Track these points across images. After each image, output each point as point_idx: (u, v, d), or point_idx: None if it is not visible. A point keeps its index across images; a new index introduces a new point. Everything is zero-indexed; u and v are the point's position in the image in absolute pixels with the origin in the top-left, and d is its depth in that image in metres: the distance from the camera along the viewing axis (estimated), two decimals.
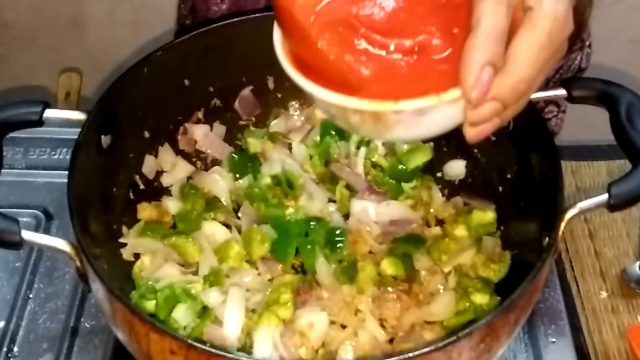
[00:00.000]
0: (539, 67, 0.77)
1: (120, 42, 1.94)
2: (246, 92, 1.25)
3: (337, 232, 1.13)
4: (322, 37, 0.82)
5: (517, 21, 0.78)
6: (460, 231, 1.14)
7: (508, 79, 0.76)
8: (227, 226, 1.16)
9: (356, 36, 0.82)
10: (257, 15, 1.19)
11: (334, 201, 1.20)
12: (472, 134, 0.80)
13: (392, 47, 0.81)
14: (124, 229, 1.13)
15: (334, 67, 0.81)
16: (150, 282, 1.06)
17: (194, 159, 1.24)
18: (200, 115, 1.24)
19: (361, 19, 0.83)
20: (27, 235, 0.94)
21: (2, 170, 1.01)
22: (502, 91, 0.76)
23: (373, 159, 1.23)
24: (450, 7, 0.82)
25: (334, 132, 1.25)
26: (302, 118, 1.28)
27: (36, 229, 1.22)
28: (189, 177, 1.22)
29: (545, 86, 0.97)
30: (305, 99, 1.27)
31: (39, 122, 1.04)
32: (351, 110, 0.81)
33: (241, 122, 1.27)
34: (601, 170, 1.37)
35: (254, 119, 1.27)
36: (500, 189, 1.15)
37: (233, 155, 1.24)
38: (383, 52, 0.81)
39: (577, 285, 1.21)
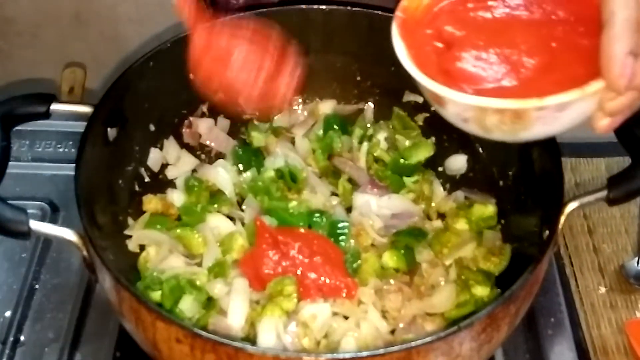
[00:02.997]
0: None
1: (123, 37, 1.93)
2: None
3: (340, 225, 1.14)
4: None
5: None
6: (461, 225, 1.15)
7: None
8: (231, 219, 1.17)
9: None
10: (262, 10, 1.20)
11: (337, 195, 1.21)
12: (605, 125, 0.82)
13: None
14: (130, 220, 1.14)
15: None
16: (155, 273, 1.07)
17: (198, 152, 1.25)
18: (204, 109, 1.25)
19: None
20: (35, 225, 0.95)
21: (9, 163, 1.02)
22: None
23: (375, 154, 1.24)
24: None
25: (336, 127, 1.26)
26: (305, 112, 1.29)
27: (42, 220, 1.22)
28: (194, 170, 1.23)
29: None
30: (308, 95, 1.28)
31: (46, 115, 1.05)
32: (492, 111, 0.82)
33: (245, 116, 1.28)
34: (600, 167, 1.38)
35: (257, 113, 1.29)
36: (501, 183, 1.16)
37: (237, 148, 1.25)
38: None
39: (576, 281, 1.22)
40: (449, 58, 0.87)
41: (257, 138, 1.26)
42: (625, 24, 0.77)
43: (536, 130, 0.83)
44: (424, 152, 1.22)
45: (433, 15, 0.90)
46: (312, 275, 1.07)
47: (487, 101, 0.81)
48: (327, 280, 1.06)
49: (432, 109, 1.22)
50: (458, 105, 0.84)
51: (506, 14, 0.88)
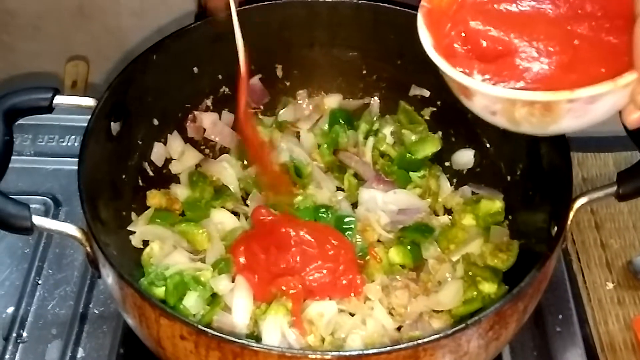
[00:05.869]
0: None
1: (126, 30, 1.92)
2: (255, 80, 1.25)
3: (346, 219, 1.13)
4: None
5: None
6: (468, 220, 1.15)
7: None
8: (236, 214, 1.16)
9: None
10: (265, 3, 1.19)
11: (342, 190, 1.21)
12: (636, 118, 0.81)
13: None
14: (133, 215, 1.13)
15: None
16: (159, 269, 1.06)
17: (202, 147, 1.25)
18: (209, 103, 1.24)
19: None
20: (38, 220, 0.94)
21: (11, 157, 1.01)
22: None
23: (381, 148, 1.23)
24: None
25: (342, 121, 1.25)
26: (311, 107, 1.28)
27: (45, 215, 1.22)
28: (198, 165, 1.22)
29: None
30: (313, 89, 1.28)
31: (49, 108, 1.04)
32: (521, 103, 0.81)
33: (250, 111, 1.27)
34: (608, 162, 1.37)
35: (262, 107, 1.28)
36: (509, 178, 1.15)
37: (241, 143, 1.24)
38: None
39: (583, 277, 1.22)
40: (474, 50, 0.85)
41: (262, 132, 1.25)
42: None
43: (566, 123, 0.82)
44: (431, 146, 1.21)
45: (458, 5, 0.89)
46: (317, 275, 1.06)
47: (517, 93, 0.80)
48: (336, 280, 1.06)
49: (439, 103, 1.23)
50: (487, 98, 0.82)
51: (532, 7, 0.87)
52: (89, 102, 1.06)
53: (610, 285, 1.21)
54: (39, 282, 1.17)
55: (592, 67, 0.81)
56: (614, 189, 0.95)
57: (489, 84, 0.82)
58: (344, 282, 1.06)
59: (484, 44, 0.85)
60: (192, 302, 1.03)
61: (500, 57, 0.83)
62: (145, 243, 1.11)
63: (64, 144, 1.33)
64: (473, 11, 0.87)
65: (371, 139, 1.23)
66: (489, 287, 1.05)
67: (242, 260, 1.08)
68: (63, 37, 1.96)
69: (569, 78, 0.80)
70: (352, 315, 1.05)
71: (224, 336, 0.85)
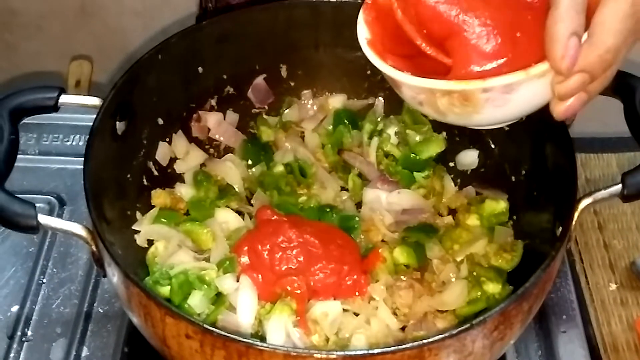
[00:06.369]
0: (623, 36, 0.78)
1: (129, 30, 1.93)
2: (259, 80, 1.25)
3: (351, 220, 1.13)
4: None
5: None
6: (473, 220, 1.15)
7: (594, 49, 0.78)
8: (240, 213, 1.17)
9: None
10: (270, 3, 1.19)
11: (347, 190, 1.21)
12: (560, 109, 0.81)
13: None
14: (138, 215, 1.13)
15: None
16: (164, 268, 1.06)
17: (207, 147, 1.25)
18: (213, 102, 1.24)
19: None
20: (44, 219, 0.94)
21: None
22: (590, 62, 0.78)
23: (386, 148, 1.23)
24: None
25: (346, 121, 1.25)
26: (315, 107, 1.28)
27: (49, 214, 1.21)
28: (202, 165, 1.22)
29: None
30: (318, 89, 1.28)
31: (55, 108, 1.04)
32: (440, 93, 0.83)
33: (254, 110, 1.27)
34: (611, 163, 1.37)
35: (266, 107, 1.28)
36: (513, 178, 1.15)
37: (246, 143, 1.24)
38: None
39: (586, 277, 1.22)
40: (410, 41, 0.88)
41: (267, 132, 1.25)
42: (570, 6, 0.77)
43: (489, 113, 0.84)
44: (435, 147, 1.21)
45: None
46: (322, 276, 1.06)
47: (432, 83, 0.83)
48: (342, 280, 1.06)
49: None
50: (410, 88, 0.86)
51: None
52: (95, 101, 1.06)
53: (613, 286, 1.21)
54: (44, 280, 1.17)
55: (527, 58, 0.81)
56: (618, 189, 0.95)
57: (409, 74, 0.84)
58: (349, 282, 1.06)
59: (423, 34, 0.87)
60: (196, 302, 1.03)
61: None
62: (150, 242, 1.11)
63: (69, 143, 1.33)
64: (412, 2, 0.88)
65: (375, 139, 1.23)
66: (493, 288, 1.05)
67: (245, 259, 1.08)
68: (66, 37, 1.97)
69: (501, 70, 0.81)
70: (357, 315, 1.05)
71: (229, 335, 0.85)
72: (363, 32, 0.92)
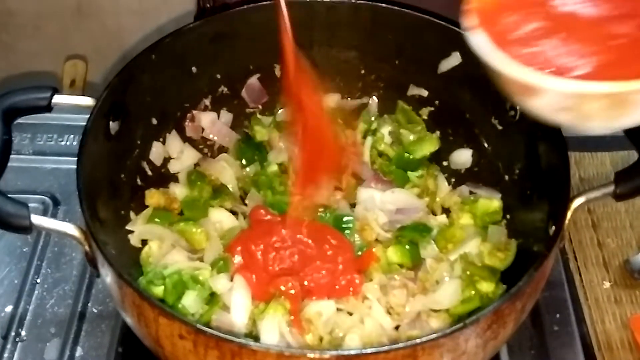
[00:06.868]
0: None
1: (125, 29, 1.93)
2: (253, 79, 1.26)
3: (345, 219, 1.14)
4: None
5: None
6: (466, 220, 1.15)
7: None
8: (234, 213, 1.17)
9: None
10: (264, 3, 1.19)
11: (341, 189, 1.20)
12: None
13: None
14: (132, 215, 1.13)
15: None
16: (158, 268, 1.06)
17: (201, 146, 1.25)
18: (207, 102, 1.24)
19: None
20: (37, 219, 0.94)
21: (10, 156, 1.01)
22: None
23: (379, 148, 1.23)
24: None
25: (340, 121, 1.25)
26: None
27: (43, 214, 1.22)
28: (196, 164, 1.22)
29: None
30: None
31: (48, 108, 1.04)
32: (595, 97, 0.78)
33: (248, 110, 1.27)
34: (605, 161, 1.37)
35: (260, 106, 1.28)
36: (507, 178, 1.16)
37: (240, 142, 1.24)
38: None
39: (580, 276, 1.22)
40: (523, 48, 0.82)
41: (260, 132, 1.25)
42: None
43: (633, 117, 0.80)
44: (429, 146, 1.21)
45: (501, 6, 0.85)
46: (316, 276, 1.06)
47: (593, 87, 0.77)
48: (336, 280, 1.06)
49: (437, 102, 1.23)
50: (557, 95, 0.79)
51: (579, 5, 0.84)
52: (88, 101, 1.06)
53: (607, 284, 1.21)
54: (38, 280, 1.17)
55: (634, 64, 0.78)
56: (611, 188, 0.95)
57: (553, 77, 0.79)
58: (343, 282, 1.06)
59: (533, 42, 0.82)
60: (190, 301, 1.03)
61: (552, 55, 0.81)
62: (144, 242, 1.11)
63: (63, 143, 1.33)
64: (516, 9, 0.84)
65: (369, 139, 1.23)
66: (486, 287, 1.05)
67: (239, 259, 1.08)
68: (62, 37, 1.96)
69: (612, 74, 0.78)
70: (351, 314, 1.05)
71: (222, 335, 0.85)
72: (484, 38, 0.83)
